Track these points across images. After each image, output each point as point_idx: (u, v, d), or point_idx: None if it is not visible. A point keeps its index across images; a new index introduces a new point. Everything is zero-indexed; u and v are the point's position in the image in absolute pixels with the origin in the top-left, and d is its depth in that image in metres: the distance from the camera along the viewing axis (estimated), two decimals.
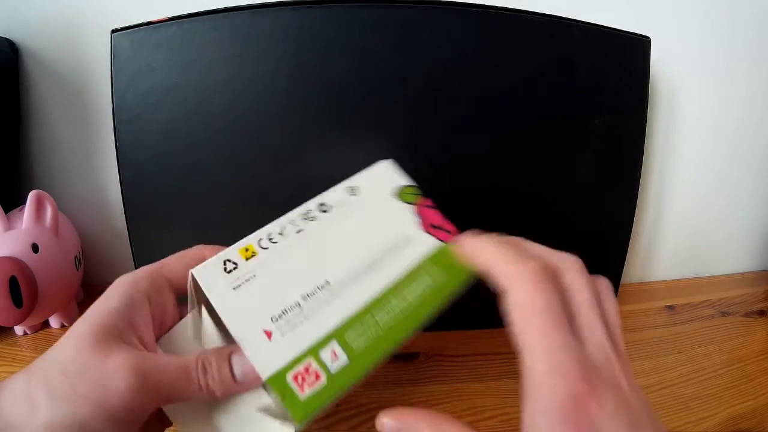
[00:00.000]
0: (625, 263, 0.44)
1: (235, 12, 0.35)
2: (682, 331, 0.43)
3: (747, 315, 0.47)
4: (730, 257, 0.58)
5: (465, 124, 0.37)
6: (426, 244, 0.23)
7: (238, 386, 0.20)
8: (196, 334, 0.21)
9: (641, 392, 0.16)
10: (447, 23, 0.36)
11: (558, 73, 0.38)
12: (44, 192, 0.39)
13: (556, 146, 0.39)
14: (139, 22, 0.35)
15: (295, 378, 0.18)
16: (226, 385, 0.19)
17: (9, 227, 0.37)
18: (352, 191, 0.24)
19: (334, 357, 0.18)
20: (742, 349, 0.41)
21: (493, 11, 0.36)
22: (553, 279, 0.18)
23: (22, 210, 0.39)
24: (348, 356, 0.19)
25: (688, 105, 0.52)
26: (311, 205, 0.24)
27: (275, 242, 0.21)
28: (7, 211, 0.38)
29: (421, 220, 0.24)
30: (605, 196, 0.42)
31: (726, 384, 0.36)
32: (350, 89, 0.36)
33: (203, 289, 0.19)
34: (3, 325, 0.36)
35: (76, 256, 0.42)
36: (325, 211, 0.23)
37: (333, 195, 0.24)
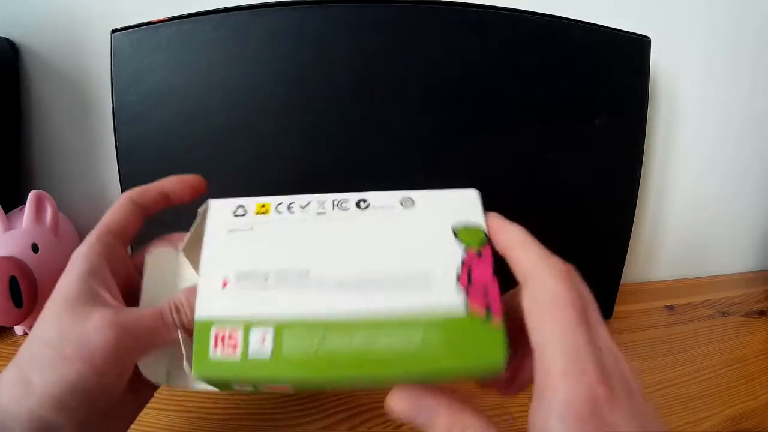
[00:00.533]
0: (625, 263, 0.44)
1: (235, 12, 0.35)
2: (682, 331, 0.43)
3: (747, 315, 0.47)
4: (730, 257, 0.58)
5: (465, 124, 0.37)
6: (448, 299, 0.17)
7: None
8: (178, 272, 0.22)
9: (648, 398, 0.16)
10: (447, 23, 0.36)
11: (558, 73, 0.38)
12: (44, 192, 0.39)
13: (555, 146, 0.39)
14: (139, 22, 0.35)
15: (216, 335, 0.17)
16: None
17: (9, 227, 0.37)
18: (408, 203, 0.20)
19: (261, 342, 0.17)
20: (742, 349, 0.41)
21: (493, 11, 0.36)
22: (577, 278, 0.17)
23: (22, 210, 0.39)
24: (272, 352, 0.16)
25: (688, 105, 0.52)
26: (352, 196, 0.20)
27: (292, 212, 0.20)
28: (7, 211, 0.38)
29: (462, 270, 0.18)
30: (605, 195, 0.42)
31: (726, 384, 0.36)
32: (350, 89, 0.36)
33: (207, 219, 0.20)
34: (3, 325, 0.36)
35: None
36: (361, 208, 0.20)
37: (381, 197, 0.20)
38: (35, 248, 0.37)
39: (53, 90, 0.48)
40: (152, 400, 0.23)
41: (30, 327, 0.40)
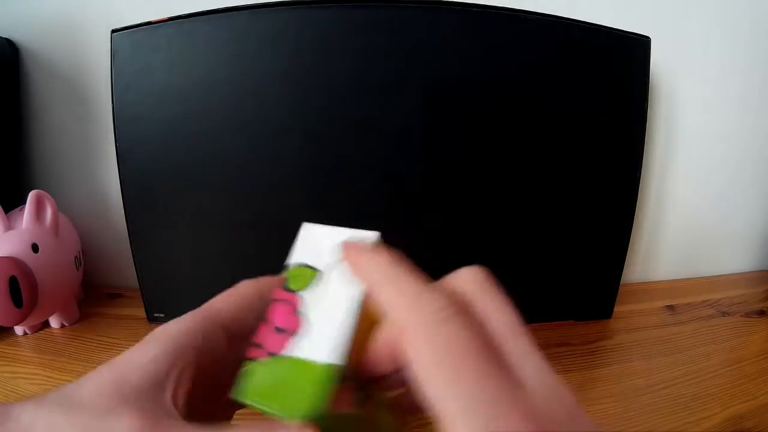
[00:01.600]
0: (625, 263, 0.44)
1: (235, 12, 0.35)
2: (682, 331, 0.43)
3: (747, 315, 0.47)
4: (730, 257, 0.58)
5: (464, 123, 0.37)
6: None
7: None
8: None
9: (584, 412, 0.14)
10: (447, 23, 0.36)
11: (558, 73, 0.38)
12: (44, 192, 0.39)
13: (556, 146, 0.39)
14: (139, 22, 0.35)
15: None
16: None
17: (9, 227, 0.37)
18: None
19: None
20: (742, 349, 0.41)
21: (493, 11, 0.36)
22: (463, 311, 0.14)
23: (22, 210, 0.39)
24: None
25: (688, 105, 0.52)
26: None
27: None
28: (7, 211, 0.38)
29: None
30: (605, 195, 0.42)
31: (726, 384, 0.36)
32: (350, 89, 0.36)
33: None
34: (3, 325, 0.36)
35: (76, 256, 0.42)
36: None
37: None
38: (35, 248, 0.37)
39: (53, 90, 0.48)
40: None
41: (30, 327, 0.40)
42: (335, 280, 0.18)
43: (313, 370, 0.16)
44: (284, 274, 0.19)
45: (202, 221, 0.38)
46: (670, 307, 0.48)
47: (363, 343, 0.17)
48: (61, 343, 0.39)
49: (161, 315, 0.41)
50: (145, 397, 0.15)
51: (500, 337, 0.14)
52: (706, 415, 0.32)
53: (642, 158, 0.42)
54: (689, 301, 0.50)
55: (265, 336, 0.17)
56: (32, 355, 0.38)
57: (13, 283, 0.34)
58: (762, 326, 0.45)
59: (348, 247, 0.17)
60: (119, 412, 0.14)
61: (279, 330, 0.17)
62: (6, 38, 0.46)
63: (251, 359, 0.17)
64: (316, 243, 0.19)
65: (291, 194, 0.38)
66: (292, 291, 0.18)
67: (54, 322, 0.41)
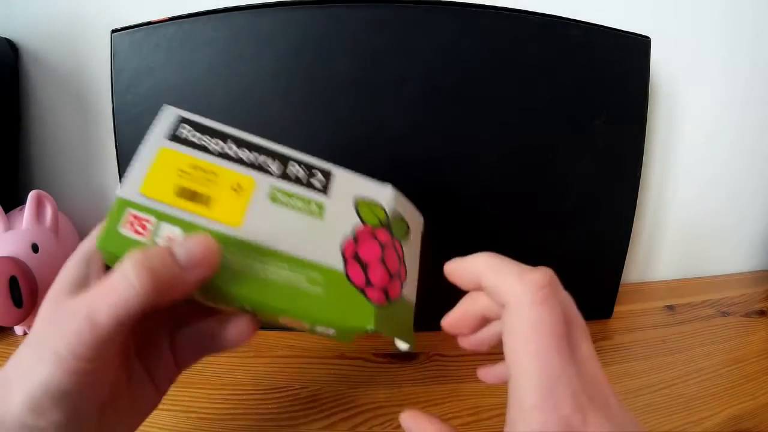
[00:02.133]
0: (625, 263, 0.44)
1: (235, 12, 0.35)
2: (682, 331, 0.43)
3: (747, 315, 0.47)
4: (730, 257, 0.58)
5: (464, 124, 0.37)
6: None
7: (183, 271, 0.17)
8: None
9: (624, 405, 0.16)
10: (447, 23, 0.36)
11: (558, 73, 0.38)
12: (44, 192, 0.39)
13: (556, 146, 0.39)
14: (139, 22, 0.35)
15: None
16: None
17: (9, 227, 0.37)
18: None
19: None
20: (742, 349, 0.41)
21: (493, 11, 0.36)
22: (557, 294, 0.16)
23: (22, 210, 0.39)
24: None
25: (688, 105, 0.52)
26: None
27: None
28: (7, 211, 0.38)
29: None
30: (605, 195, 0.42)
31: (726, 384, 0.36)
32: (350, 89, 0.36)
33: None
34: (3, 325, 0.36)
35: None
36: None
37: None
38: (35, 248, 0.37)
39: (53, 90, 0.48)
40: None
41: (30, 327, 0.40)
42: (412, 244, 0.23)
43: (410, 309, 0.22)
44: (372, 209, 0.23)
45: None
46: (670, 307, 0.48)
47: None
48: None
49: None
50: (81, 286, 0.19)
51: (575, 324, 0.17)
52: (706, 415, 0.32)
53: (642, 158, 0.42)
54: (689, 301, 0.50)
55: (382, 279, 0.21)
56: None
57: (13, 283, 0.34)
58: (762, 326, 0.45)
59: (447, 265, 0.20)
60: (62, 304, 0.18)
61: (392, 276, 0.21)
62: (6, 38, 0.46)
63: (376, 302, 0.20)
64: (372, 189, 0.23)
65: None
66: (396, 238, 0.22)
67: None
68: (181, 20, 0.35)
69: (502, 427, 0.16)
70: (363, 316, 0.19)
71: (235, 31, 0.35)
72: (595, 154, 0.40)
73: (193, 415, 0.30)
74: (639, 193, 0.43)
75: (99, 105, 0.48)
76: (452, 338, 0.22)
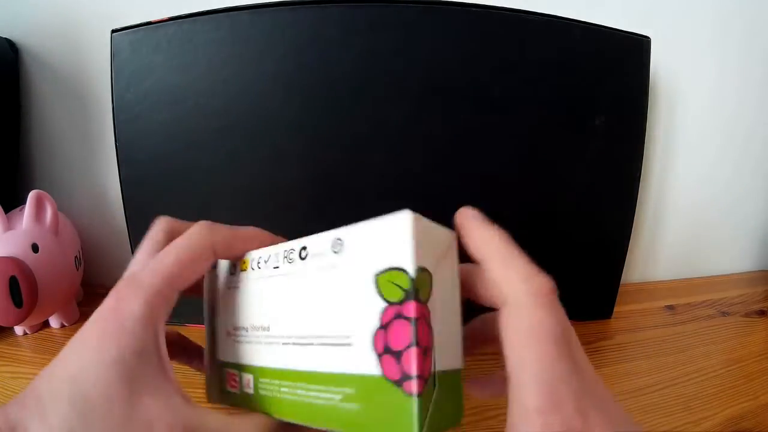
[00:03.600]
0: (625, 263, 0.44)
1: (235, 12, 0.35)
2: (682, 331, 0.43)
3: (747, 315, 0.47)
4: (730, 257, 0.58)
5: (465, 124, 0.37)
6: (364, 365, 0.16)
7: None
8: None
9: (622, 408, 0.16)
10: (447, 23, 0.36)
11: (558, 73, 0.38)
12: (44, 192, 0.39)
13: (556, 146, 0.39)
14: (139, 22, 0.35)
15: (228, 374, 0.22)
16: None
17: (9, 227, 0.37)
18: (337, 246, 0.18)
19: (248, 384, 0.21)
20: (742, 349, 0.41)
21: (493, 11, 0.36)
22: (557, 300, 0.16)
23: (22, 210, 0.39)
24: (254, 391, 0.21)
25: (688, 105, 0.52)
26: (296, 245, 0.20)
27: (260, 268, 0.21)
28: (7, 211, 0.38)
29: (377, 334, 0.16)
30: (605, 195, 0.42)
31: (726, 384, 0.36)
32: (350, 89, 0.36)
33: (218, 275, 0.23)
34: (3, 325, 0.36)
35: (76, 256, 0.42)
36: (302, 258, 0.19)
37: (317, 242, 0.19)
38: (35, 248, 0.37)
39: (53, 90, 0.48)
40: None
41: (30, 327, 0.40)
42: (441, 283, 0.17)
43: (454, 378, 0.17)
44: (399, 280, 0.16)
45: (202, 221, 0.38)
46: (670, 307, 0.48)
47: None
48: (61, 343, 0.39)
49: None
50: (155, 378, 0.16)
51: (568, 329, 0.16)
52: (706, 415, 0.32)
53: (642, 158, 0.42)
54: (689, 301, 0.50)
55: (413, 362, 0.16)
56: (32, 355, 0.37)
57: (13, 283, 0.34)
58: (762, 326, 0.45)
59: (465, 216, 0.19)
60: (138, 396, 0.15)
61: (425, 351, 0.16)
62: (6, 38, 0.46)
63: (412, 394, 0.15)
64: (388, 248, 0.17)
65: (291, 194, 0.38)
66: (423, 303, 0.16)
67: (54, 322, 0.41)
68: (181, 20, 0.35)
69: (503, 428, 0.16)
70: (404, 419, 0.15)
71: (235, 31, 0.35)
72: (595, 154, 0.40)
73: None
74: (639, 193, 0.43)
75: (99, 105, 0.48)
76: None
